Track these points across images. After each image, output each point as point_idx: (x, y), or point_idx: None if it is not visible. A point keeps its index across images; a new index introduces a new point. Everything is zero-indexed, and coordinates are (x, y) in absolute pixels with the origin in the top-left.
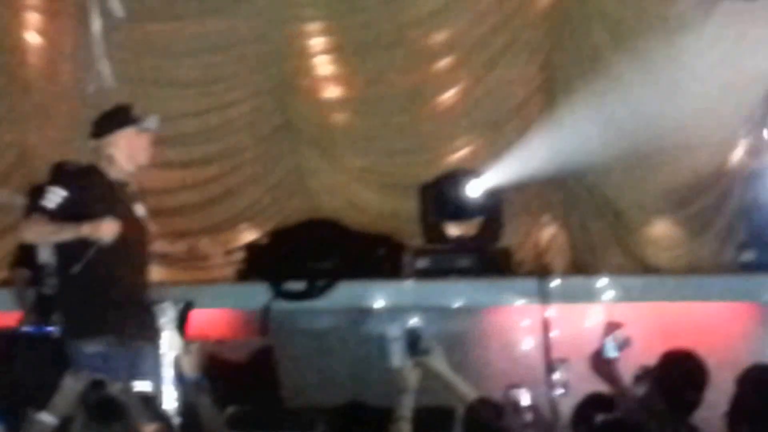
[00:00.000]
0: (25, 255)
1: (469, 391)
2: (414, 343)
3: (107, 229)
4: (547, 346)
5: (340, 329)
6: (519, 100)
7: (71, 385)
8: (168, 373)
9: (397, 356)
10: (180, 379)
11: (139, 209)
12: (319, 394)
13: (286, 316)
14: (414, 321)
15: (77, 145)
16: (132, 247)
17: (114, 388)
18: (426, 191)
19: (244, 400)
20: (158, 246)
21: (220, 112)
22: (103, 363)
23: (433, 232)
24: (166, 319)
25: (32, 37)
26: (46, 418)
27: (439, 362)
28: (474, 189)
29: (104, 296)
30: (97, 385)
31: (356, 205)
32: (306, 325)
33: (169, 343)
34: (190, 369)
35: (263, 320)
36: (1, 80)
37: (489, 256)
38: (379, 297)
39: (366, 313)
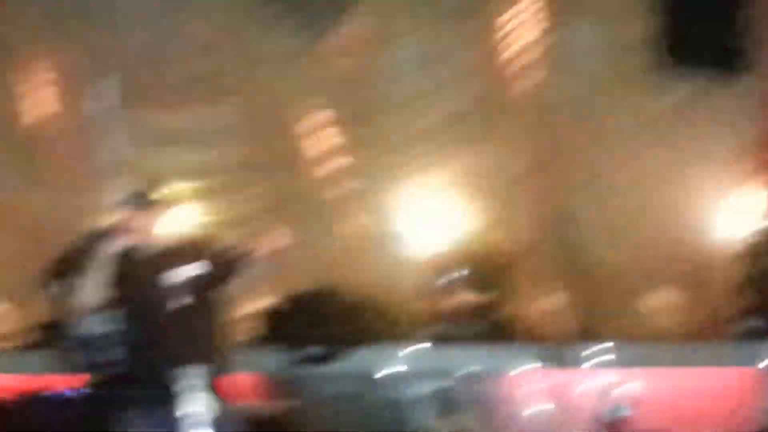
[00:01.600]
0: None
1: None
2: (447, 403)
3: None
4: (557, 410)
5: (358, 393)
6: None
7: None
8: None
9: (429, 417)
10: None
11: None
12: None
13: (305, 380)
14: (439, 383)
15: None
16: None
17: None
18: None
19: None
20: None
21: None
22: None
23: (439, 301)
24: (195, 382)
25: None
26: None
27: (467, 422)
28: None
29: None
30: None
31: (360, 273)
32: (324, 388)
33: (204, 405)
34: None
35: (285, 385)
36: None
37: (497, 322)
38: (393, 361)
39: (382, 376)
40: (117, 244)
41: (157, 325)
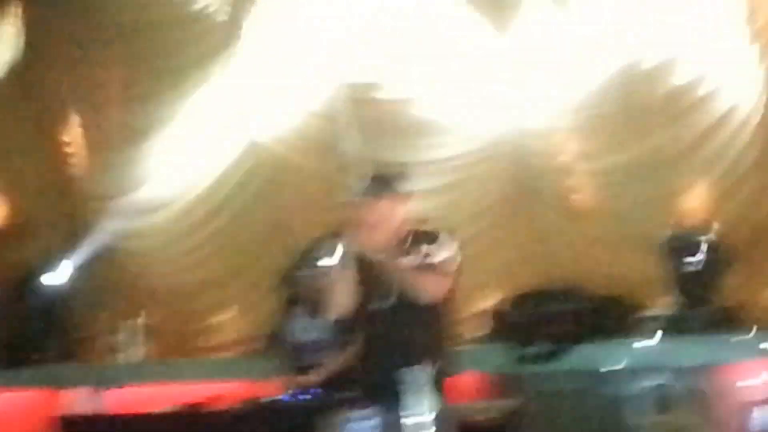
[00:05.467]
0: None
1: None
2: (661, 400)
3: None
4: None
5: (580, 390)
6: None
7: None
8: None
9: (645, 414)
10: None
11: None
12: None
13: (529, 378)
14: (659, 379)
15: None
16: (388, 314)
17: None
18: (662, 249)
19: None
20: None
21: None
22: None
23: (669, 290)
24: (417, 383)
25: None
26: None
27: (687, 418)
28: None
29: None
30: None
31: (595, 268)
32: (548, 386)
33: (423, 406)
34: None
35: (510, 383)
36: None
37: (721, 313)
38: (617, 358)
39: (605, 373)
40: (353, 244)
41: (383, 323)
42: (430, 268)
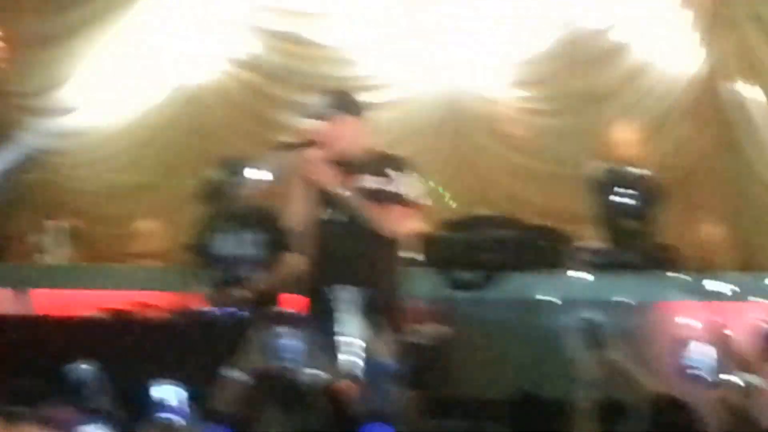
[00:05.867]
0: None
1: (649, 385)
2: (593, 335)
3: None
4: (712, 342)
5: (510, 320)
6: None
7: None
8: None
9: (576, 348)
10: (371, 364)
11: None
12: (492, 384)
13: (459, 305)
14: (593, 314)
15: None
16: (339, 230)
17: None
18: (595, 183)
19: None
20: None
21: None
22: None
23: (599, 228)
24: (357, 305)
25: None
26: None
27: (617, 355)
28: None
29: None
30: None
31: (524, 200)
32: (479, 314)
33: (353, 329)
34: (382, 355)
35: (442, 309)
36: None
37: (653, 251)
38: (550, 288)
39: (537, 303)
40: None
41: (332, 238)
42: (397, 198)
